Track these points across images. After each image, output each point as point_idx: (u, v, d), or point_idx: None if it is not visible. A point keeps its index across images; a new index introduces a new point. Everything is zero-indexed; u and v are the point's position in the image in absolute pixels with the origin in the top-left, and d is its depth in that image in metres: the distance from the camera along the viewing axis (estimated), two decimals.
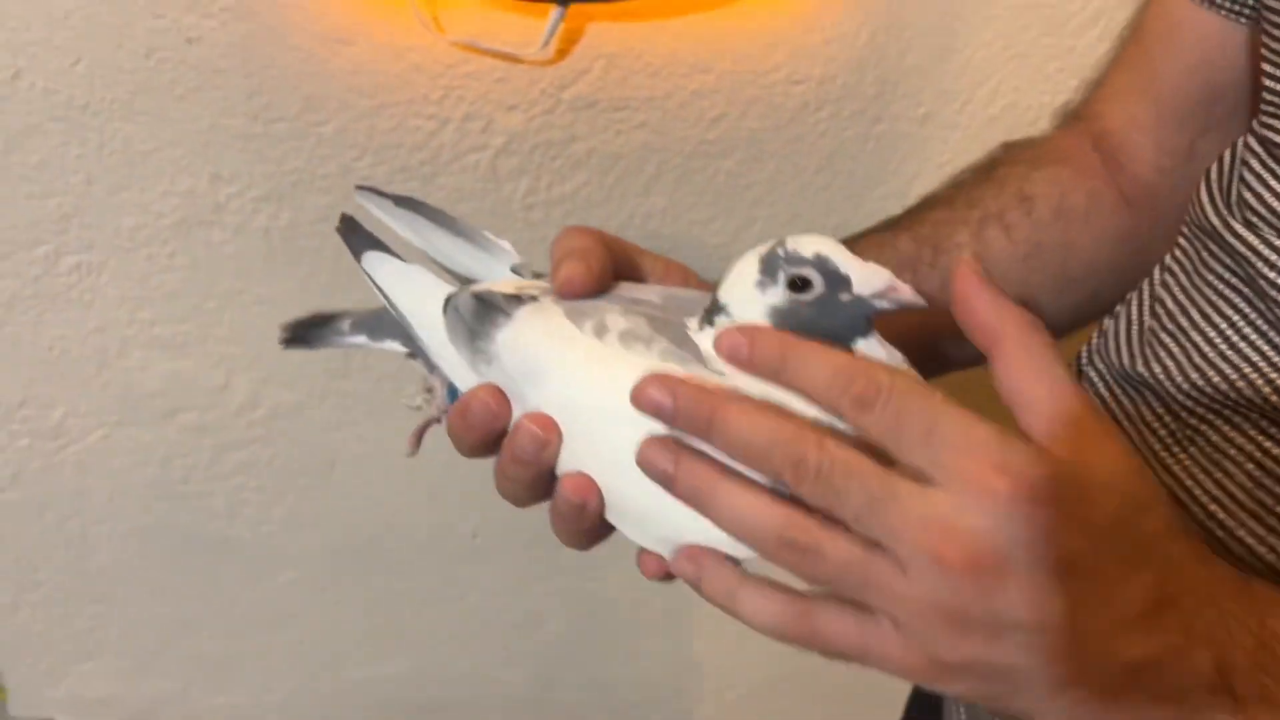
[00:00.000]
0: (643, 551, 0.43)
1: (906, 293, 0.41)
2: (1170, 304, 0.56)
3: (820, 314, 0.42)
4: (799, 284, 0.42)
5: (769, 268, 0.43)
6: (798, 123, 0.89)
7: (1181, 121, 0.63)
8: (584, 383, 0.44)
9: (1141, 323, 0.58)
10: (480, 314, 0.46)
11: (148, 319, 0.91)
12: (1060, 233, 0.61)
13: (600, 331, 0.44)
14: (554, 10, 0.79)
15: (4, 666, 1.10)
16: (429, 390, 0.51)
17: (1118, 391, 0.58)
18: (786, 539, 0.37)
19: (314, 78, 0.83)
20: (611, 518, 0.43)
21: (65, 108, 0.81)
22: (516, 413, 0.45)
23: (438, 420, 0.51)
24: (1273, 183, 0.51)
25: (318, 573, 1.07)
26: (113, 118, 0.82)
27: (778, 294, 0.42)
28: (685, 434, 0.40)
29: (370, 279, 0.49)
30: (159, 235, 0.88)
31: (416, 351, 0.50)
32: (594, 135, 0.88)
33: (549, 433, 0.43)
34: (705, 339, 0.43)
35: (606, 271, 0.46)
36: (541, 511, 0.44)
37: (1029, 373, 0.37)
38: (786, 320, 0.42)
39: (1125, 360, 0.57)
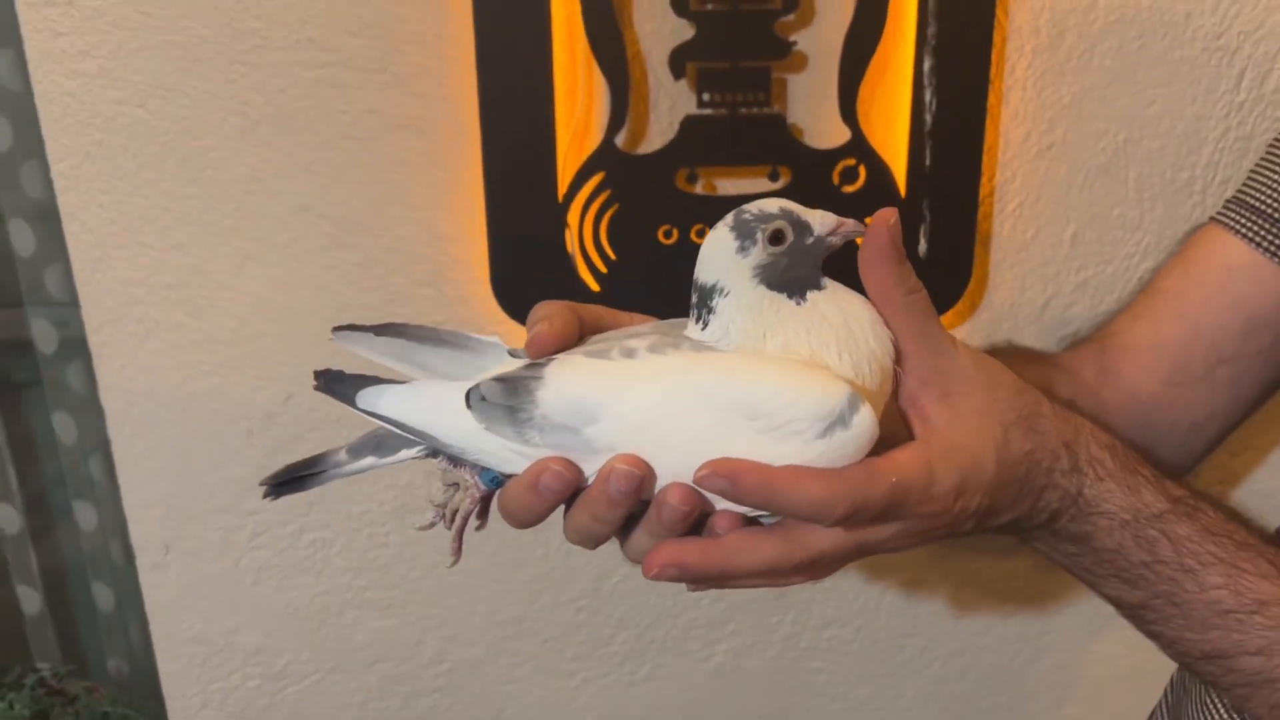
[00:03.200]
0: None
1: (851, 225, 0.46)
2: None
3: (792, 261, 0.45)
4: (776, 238, 0.45)
5: (744, 232, 0.46)
6: None
7: (1211, 347, 0.67)
8: (644, 398, 0.45)
9: None
10: (511, 389, 0.47)
11: (363, 585, 1.11)
12: None
13: (629, 354, 0.46)
14: None
15: None
16: (451, 486, 0.51)
17: None
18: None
19: None
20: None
21: (323, 422, 1.04)
22: (582, 464, 0.46)
23: (475, 509, 0.51)
24: None
25: None
26: None
27: (758, 253, 0.46)
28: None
29: (374, 416, 0.49)
30: (380, 518, 1.09)
31: (439, 453, 0.50)
32: None
33: (642, 468, 0.44)
34: (709, 333, 0.47)
35: (572, 326, 0.49)
36: None
37: (910, 335, 0.48)
38: (767, 274, 0.46)
39: None
